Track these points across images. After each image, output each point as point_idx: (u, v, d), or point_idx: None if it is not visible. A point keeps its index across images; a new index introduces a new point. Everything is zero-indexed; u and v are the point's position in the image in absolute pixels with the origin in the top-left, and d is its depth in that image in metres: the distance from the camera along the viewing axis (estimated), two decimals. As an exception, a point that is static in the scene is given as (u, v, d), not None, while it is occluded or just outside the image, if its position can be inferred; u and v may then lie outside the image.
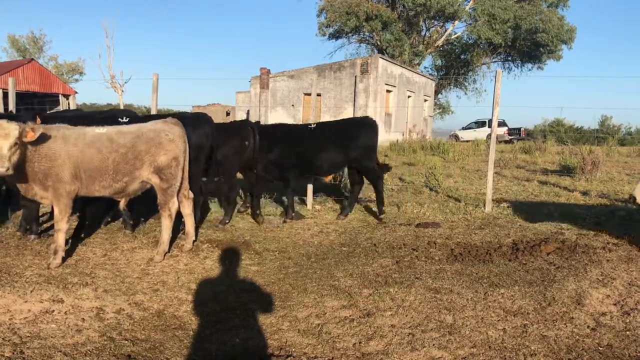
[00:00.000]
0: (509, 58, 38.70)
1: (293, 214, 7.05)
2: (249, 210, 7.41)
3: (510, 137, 31.87)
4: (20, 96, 22.20)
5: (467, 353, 3.30)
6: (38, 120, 5.42)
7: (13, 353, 3.19)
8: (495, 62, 39.13)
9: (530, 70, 38.61)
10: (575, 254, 5.24)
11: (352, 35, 36.80)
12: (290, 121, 24.34)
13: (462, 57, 38.07)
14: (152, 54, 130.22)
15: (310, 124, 7.25)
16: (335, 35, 36.57)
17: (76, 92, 33.32)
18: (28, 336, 3.42)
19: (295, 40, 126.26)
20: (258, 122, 7.06)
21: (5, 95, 21.37)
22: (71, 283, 4.38)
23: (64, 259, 4.86)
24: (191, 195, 5.55)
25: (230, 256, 5.33)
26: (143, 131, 5.04)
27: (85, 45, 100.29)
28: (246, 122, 6.93)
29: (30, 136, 4.37)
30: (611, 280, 4.52)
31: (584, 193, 9.23)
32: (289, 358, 3.29)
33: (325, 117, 25.80)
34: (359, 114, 25.17)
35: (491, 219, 6.97)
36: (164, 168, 5.05)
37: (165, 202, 5.16)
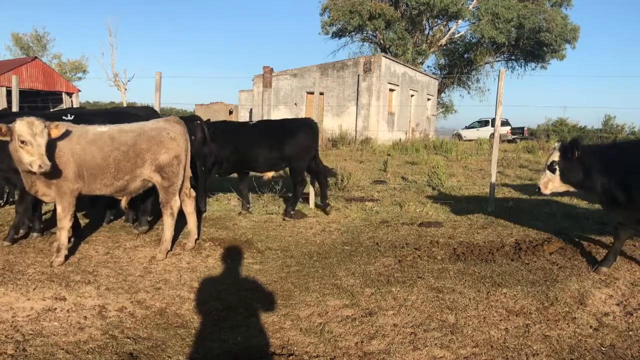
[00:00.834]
0: (513, 57, 38.58)
1: (292, 213, 7.05)
2: (250, 211, 7.42)
3: (513, 137, 31.85)
4: (24, 94, 22.31)
5: (469, 352, 3.30)
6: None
7: (16, 350, 3.20)
8: (498, 61, 39.05)
9: (533, 69, 38.55)
10: (578, 254, 5.23)
11: (355, 34, 36.74)
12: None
13: (466, 56, 37.97)
14: (155, 52, 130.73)
15: (250, 121, 7.34)
16: (339, 34, 36.48)
17: (79, 90, 33.46)
18: (31, 334, 3.43)
19: (298, 39, 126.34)
20: (208, 120, 7.17)
21: (9, 93, 21.44)
22: (74, 281, 4.39)
23: (66, 257, 4.87)
24: (193, 193, 5.57)
25: (232, 255, 5.33)
26: (144, 129, 5.06)
27: (88, 43, 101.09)
28: (193, 116, 6.98)
29: (55, 133, 4.39)
30: (614, 280, 4.52)
31: (587, 193, 9.20)
32: (291, 357, 3.29)
33: (328, 116, 25.81)
34: (362, 113, 25.18)
35: (494, 219, 6.95)
36: (166, 166, 5.06)
37: (167, 200, 5.16)
